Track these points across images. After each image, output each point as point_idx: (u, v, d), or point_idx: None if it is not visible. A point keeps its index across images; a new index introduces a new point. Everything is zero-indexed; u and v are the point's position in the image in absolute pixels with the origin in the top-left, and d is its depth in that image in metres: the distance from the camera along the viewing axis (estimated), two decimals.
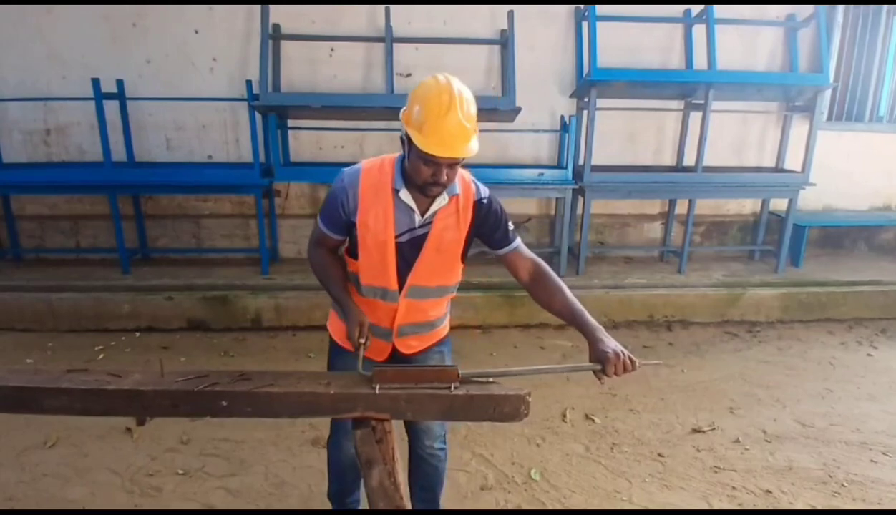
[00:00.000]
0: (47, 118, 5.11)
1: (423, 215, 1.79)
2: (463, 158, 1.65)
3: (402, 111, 1.69)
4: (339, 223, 1.82)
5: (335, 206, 1.79)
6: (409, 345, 2.00)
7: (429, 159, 1.61)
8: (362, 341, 1.73)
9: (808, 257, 5.59)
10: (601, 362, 1.64)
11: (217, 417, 1.63)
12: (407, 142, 1.66)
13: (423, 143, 1.58)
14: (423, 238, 1.81)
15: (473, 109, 1.64)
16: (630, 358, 1.63)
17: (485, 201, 1.84)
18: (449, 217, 1.81)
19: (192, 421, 3.17)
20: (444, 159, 1.61)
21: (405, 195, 1.75)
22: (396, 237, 1.79)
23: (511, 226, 1.91)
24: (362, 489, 2.28)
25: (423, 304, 1.92)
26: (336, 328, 2.04)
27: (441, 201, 1.78)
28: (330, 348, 2.10)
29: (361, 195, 1.76)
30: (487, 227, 1.87)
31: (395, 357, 2.00)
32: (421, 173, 1.66)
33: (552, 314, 1.86)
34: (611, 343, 1.66)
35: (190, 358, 4.07)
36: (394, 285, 1.85)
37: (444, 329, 2.10)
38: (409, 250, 1.82)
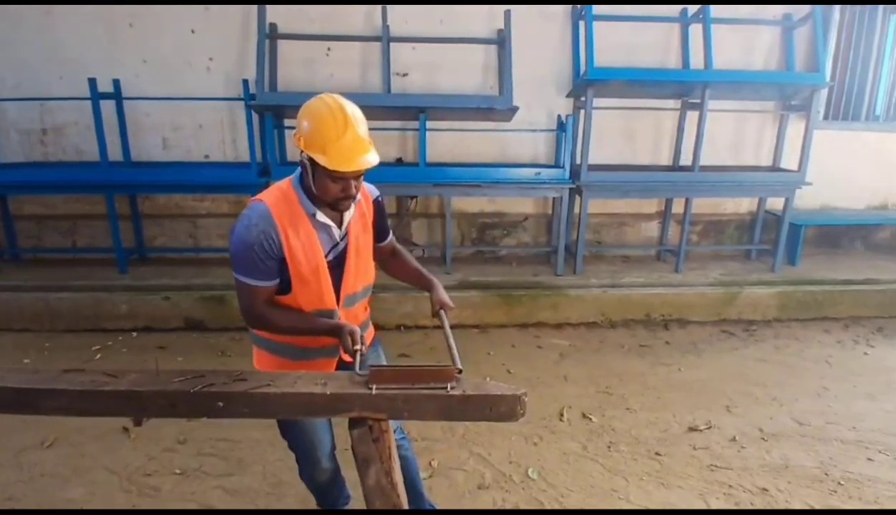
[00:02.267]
0: (44, 118, 5.11)
1: (340, 228, 1.87)
2: (367, 170, 1.74)
3: (294, 137, 1.74)
4: (269, 269, 1.77)
5: (259, 256, 1.74)
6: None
7: (337, 177, 1.69)
8: (357, 348, 1.75)
9: (805, 256, 5.61)
10: (443, 308, 2.04)
11: (214, 418, 1.63)
12: (310, 165, 1.72)
13: (331, 163, 1.65)
14: (344, 250, 1.91)
15: (364, 121, 1.74)
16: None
17: (380, 199, 2.05)
18: (358, 222, 1.93)
19: (190, 421, 3.16)
20: (351, 174, 1.69)
21: (321, 216, 1.82)
22: (326, 257, 1.85)
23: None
24: (347, 484, 2.38)
25: (355, 310, 2.03)
26: (270, 365, 1.99)
27: (351, 210, 1.88)
28: None
29: (281, 231, 1.76)
30: (379, 222, 2.06)
31: (340, 367, 2.01)
32: (330, 191, 1.73)
33: (402, 281, 2.23)
34: (445, 294, 2.09)
35: (187, 358, 4.07)
36: (332, 303, 1.90)
37: (372, 328, 2.21)
38: (337, 265, 1.90)
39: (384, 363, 2.18)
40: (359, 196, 1.88)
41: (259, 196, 1.82)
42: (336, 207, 1.79)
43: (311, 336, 1.88)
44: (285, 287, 1.83)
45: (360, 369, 1.70)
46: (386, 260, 2.21)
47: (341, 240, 1.89)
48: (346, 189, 1.73)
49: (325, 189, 1.73)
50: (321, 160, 1.66)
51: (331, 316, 1.89)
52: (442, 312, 2.04)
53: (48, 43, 4.88)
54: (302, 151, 1.71)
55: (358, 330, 1.80)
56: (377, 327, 2.32)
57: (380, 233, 2.08)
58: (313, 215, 1.80)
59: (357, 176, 1.73)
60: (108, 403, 1.60)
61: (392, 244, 2.19)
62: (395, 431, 2.18)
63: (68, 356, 4.04)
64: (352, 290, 1.95)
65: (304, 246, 1.80)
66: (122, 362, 4.00)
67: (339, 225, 1.87)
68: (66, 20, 4.83)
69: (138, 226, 5.23)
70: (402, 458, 2.23)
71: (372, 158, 1.72)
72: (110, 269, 4.92)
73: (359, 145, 1.69)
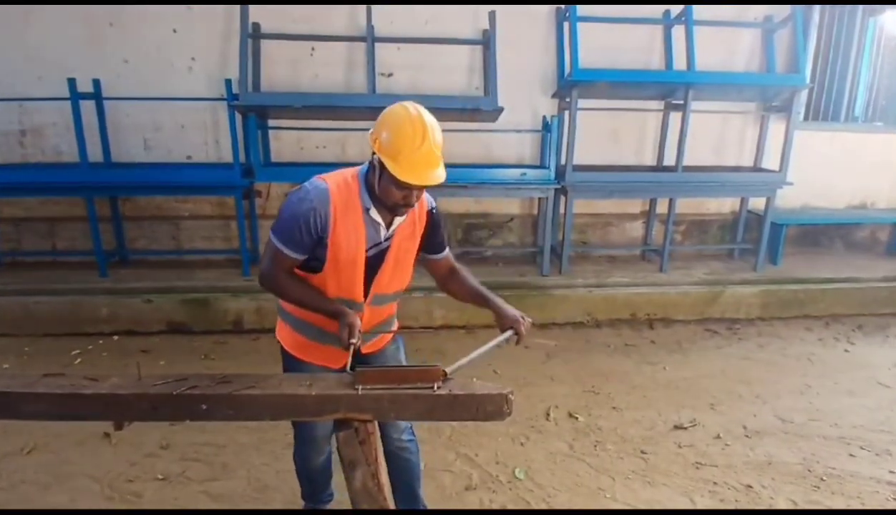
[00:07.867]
0: (23, 119, 5.01)
1: (387, 228, 1.88)
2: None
3: (370, 135, 1.74)
4: (304, 244, 1.80)
5: (300, 228, 1.76)
6: (370, 346, 2.08)
7: (402, 185, 1.69)
8: (353, 341, 1.77)
9: (787, 255, 5.67)
10: (513, 325, 1.95)
11: (197, 421, 1.61)
12: (379, 166, 1.72)
13: (401, 173, 1.66)
14: (385, 250, 1.91)
15: (441, 137, 1.74)
16: (524, 318, 1.96)
17: (435, 211, 2.00)
18: (406, 228, 1.92)
19: (172, 426, 3.13)
20: (419, 187, 1.70)
21: (374, 213, 1.83)
22: (366, 252, 1.86)
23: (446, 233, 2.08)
24: (333, 482, 2.39)
25: (382, 309, 2.05)
26: (288, 337, 2.05)
27: (403, 215, 1.88)
28: (284, 361, 2.10)
29: (333, 215, 1.77)
30: (432, 234, 2.01)
31: (357, 359, 1.97)
32: (392, 196, 1.74)
33: (463, 301, 2.13)
34: (511, 309, 1.98)
35: (170, 362, 4.02)
36: (360, 296, 1.92)
37: (397, 324, 2.23)
38: (374, 262, 1.90)
39: (403, 362, 2.21)
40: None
41: (323, 176, 1.83)
42: (394, 212, 1.82)
43: (315, 312, 1.89)
44: (318, 266, 1.85)
45: (351, 367, 1.70)
46: (445, 279, 2.14)
47: (385, 240, 1.89)
48: (408, 198, 1.74)
49: (388, 193, 1.74)
50: (391, 166, 1.66)
51: (350, 305, 1.89)
52: (511, 331, 1.98)
53: (27, 43, 4.79)
54: (374, 152, 1.72)
55: (359, 324, 1.81)
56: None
57: (433, 245, 2.05)
58: (367, 210, 1.82)
59: (422, 188, 1.74)
60: (89, 407, 1.58)
61: (449, 261, 2.12)
62: (403, 431, 2.19)
63: (48, 360, 3.97)
64: (383, 291, 1.97)
65: (350, 235, 1.81)
66: (102, 366, 3.93)
67: (388, 226, 1.87)
68: (45, 19, 4.75)
69: (119, 228, 5.15)
70: (404, 461, 2.23)
71: (441, 174, 1.72)
72: (90, 272, 4.83)
73: (431, 159, 1.69)
